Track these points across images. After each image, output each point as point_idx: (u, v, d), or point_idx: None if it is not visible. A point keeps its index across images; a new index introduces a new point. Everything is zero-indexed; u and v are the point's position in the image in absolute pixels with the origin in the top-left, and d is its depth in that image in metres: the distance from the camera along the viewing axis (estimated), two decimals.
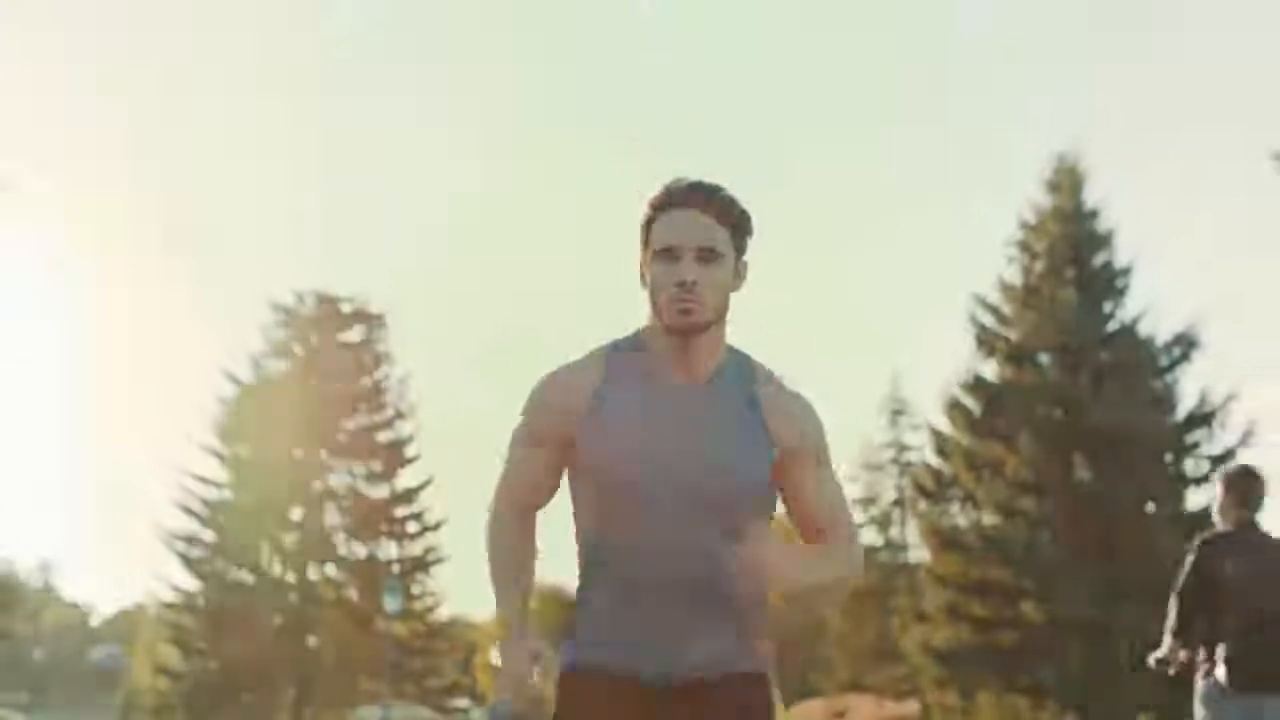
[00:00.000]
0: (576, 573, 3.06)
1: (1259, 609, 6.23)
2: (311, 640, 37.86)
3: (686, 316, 2.89)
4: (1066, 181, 31.04)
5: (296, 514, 38.43)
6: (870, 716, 35.80)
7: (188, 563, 37.87)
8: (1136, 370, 29.40)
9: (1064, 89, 76.14)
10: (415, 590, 38.41)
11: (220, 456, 38.49)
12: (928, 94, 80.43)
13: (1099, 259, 30.71)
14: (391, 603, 31.22)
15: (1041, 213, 31.39)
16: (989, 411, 30.16)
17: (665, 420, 2.94)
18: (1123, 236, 31.02)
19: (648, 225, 2.96)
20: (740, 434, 2.95)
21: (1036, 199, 31.73)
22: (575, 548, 3.07)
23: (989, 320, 31.21)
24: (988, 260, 34.84)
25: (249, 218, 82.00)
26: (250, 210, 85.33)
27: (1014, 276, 31.35)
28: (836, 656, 44.50)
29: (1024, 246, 31.38)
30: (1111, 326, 30.32)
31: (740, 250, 2.97)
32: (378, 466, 39.14)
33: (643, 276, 3.00)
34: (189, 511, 37.91)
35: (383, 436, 39.42)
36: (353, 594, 38.39)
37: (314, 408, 38.27)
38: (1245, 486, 6.45)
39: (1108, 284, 30.52)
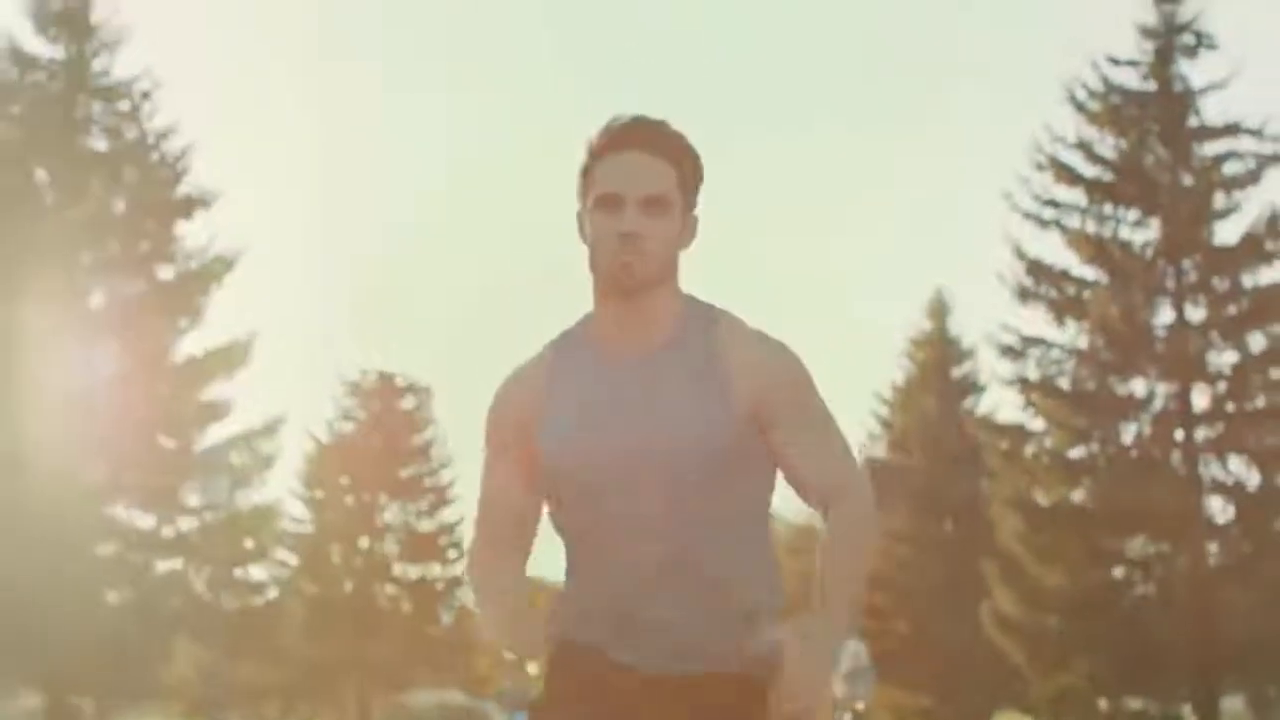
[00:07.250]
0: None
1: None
2: (374, 644, 43.22)
3: (628, 271, 2.52)
4: (938, 311, 39.01)
5: (363, 543, 44.41)
6: None
7: (275, 582, 42.55)
8: (983, 453, 36.23)
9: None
10: (456, 604, 44.28)
11: (303, 499, 44.59)
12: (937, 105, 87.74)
13: (960, 371, 38.74)
14: (448, 616, 38.34)
15: (921, 332, 39.17)
16: (877, 483, 37.85)
17: (610, 402, 2.60)
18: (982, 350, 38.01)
19: (587, 171, 2.58)
20: (694, 397, 2.56)
21: (918, 320, 39.44)
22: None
23: (884, 411, 39.43)
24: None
25: (323, 308, 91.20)
26: (323, 300, 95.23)
27: (900, 379, 39.37)
28: None
29: (910, 355, 39.32)
30: (967, 418, 37.96)
31: (690, 200, 2.60)
32: (426, 506, 44.93)
33: (582, 230, 2.60)
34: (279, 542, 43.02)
35: (429, 482, 45.04)
36: (407, 607, 44.81)
37: (375, 460, 44.46)
38: None
39: (966, 389, 38.66)
